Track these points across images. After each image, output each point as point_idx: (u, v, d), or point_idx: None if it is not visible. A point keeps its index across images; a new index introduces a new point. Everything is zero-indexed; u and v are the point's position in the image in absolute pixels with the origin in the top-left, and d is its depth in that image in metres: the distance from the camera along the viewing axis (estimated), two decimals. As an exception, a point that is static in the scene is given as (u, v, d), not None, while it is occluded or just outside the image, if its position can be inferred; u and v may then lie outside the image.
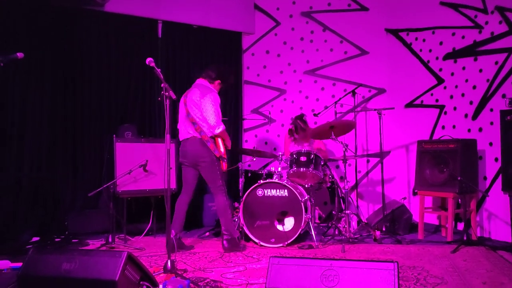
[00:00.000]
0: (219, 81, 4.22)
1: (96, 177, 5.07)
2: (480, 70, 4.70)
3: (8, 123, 4.70)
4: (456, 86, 5.02)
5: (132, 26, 5.47)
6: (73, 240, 4.46)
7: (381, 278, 2.20)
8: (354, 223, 4.88)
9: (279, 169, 4.65)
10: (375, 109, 5.11)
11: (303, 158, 4.52)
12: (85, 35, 5.21)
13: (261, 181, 4.40)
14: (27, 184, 4.75)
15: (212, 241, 4.53)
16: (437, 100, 5.30)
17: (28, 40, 4.79)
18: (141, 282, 2.52)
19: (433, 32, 5.32)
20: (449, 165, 4.38)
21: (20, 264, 2.73)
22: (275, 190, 4.35)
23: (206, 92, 4.05)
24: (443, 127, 5.18)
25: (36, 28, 4.86)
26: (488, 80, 4.60)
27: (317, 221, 5.14)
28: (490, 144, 4.56)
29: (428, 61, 5.41)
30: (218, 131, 3.98)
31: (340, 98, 5.71)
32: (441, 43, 5.22)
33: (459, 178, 4.18)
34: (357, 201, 5.73)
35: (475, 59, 4.77)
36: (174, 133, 4.93)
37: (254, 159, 5.15)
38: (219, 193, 4.10)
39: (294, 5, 6.29)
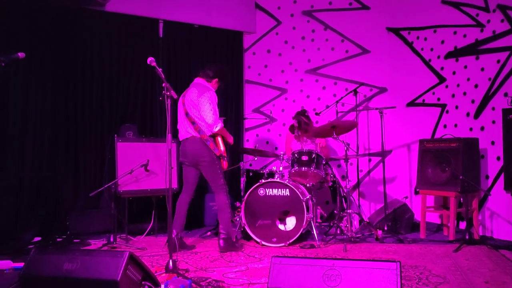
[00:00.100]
0: (216, 79, 4.22)
1: (97, 177, 5.07)
2: (482, 69, 4.69)
3: (10, 123, 4.70)
4: (458, 85, 5.01)
5: (133, 25, 5.47)
6: (74, 240, 4.46)
7: (383, 278, 2.20)
8: (356, 222, 4.87)
9: (281, 168, 4.64)
10: (376, 108, 5.10)
11: (304, 157, 4.52)
12: (86, 34, 5.20)
13: (263, 181, 4.39)
14: (28, 184, 4.75)
15: (213, 241, 4.52)
16: (438, 99, 5.29)
17: (29, 40, 4.79)
18: (143, 282, 2.52)
19: (435, 31, 5.31)
20: (451, 164, 4.37)
21: (22, 264, 2.73)
22: (276, 189, 4.34)
23: (204, 91, 4.04)
24: (445, 126, 5.17)
25: (37, 28, 4.86)
26: (490, 79, 4.58)
27: (318, 220, 5.13)
28: (492, 143, 4.54)
29: (430, 60, 5.39)
30: (216, 129, 3.97)
31: (341, 97, 5.71)
32: (442, 42, 5.21)
33: (461, 177, 4.17)
34: (358, 200, 5.72)
35: (477, 58, 4.75)
36: (175, 133, 4.93)
37: (256, 158, 5.15)
38: (220, 192, 4.09)
39: (295, 4, 6.28)
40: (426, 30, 5.42)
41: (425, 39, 5.45)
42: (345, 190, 4.55)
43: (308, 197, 4.39)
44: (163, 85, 3.16)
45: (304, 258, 2.45)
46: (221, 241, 4.01)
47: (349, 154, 4.50)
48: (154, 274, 2.73)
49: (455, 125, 5.03)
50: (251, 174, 4.99)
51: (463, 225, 4.79)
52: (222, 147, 4.05)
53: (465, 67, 4.91)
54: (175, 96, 3.17)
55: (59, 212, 4.92)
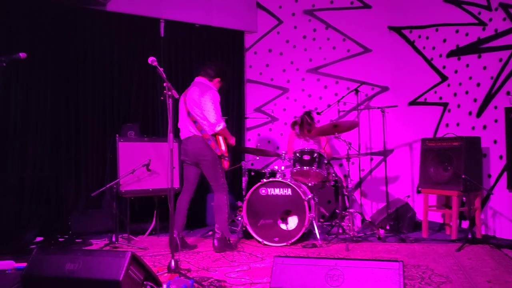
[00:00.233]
0: (218, 79, 4.21)
1: (99, 176, 5.08)
2: (484, 67, 4.67)
3: (11, 122, 4.70)
4: (460, 84, 4.99)
5: (134, 25, 5.47)
6: (76, 240, 4.46)
7: (386, 278, 2.19)
8: (358, 222, 4.87)
9: (282, 167, 4.63)
10: (378, 107, 5.09)
11: (306, 157, 4.51)
12: (87, 34, 5.20)
13: (264, 180, 4.39)
14: (30, 184, 4.75)
15: (215, 240, 4.52)
16: (440, 98, 5.28)
17: (30, 40, 4.79)
18: (145, 282, 2.52)
19: (437, 29, 5.29)
20: (453, 163, 4.36)
21: (24, 264, 2.73)
22: (278, 189, 4.33)
23: (206, 90, 4.04)
24: (446, 125, 5.16)
25: (37, 28, 4.86)
26: (492, 77, 4.57)
27: (320, 219, 5.13)
28: (495, 141, 4.53)
29: (432, 59, 5.38)
30: (218, 128, 3.97)
31: (343, 96, 5.70)
32: (444, 41, 5.19)
33: (463, 176, 4.16)
34: (360, 199, 5.72)
35: (479, 56, 4.74)
36: (177, 132, 4.93)
37: (257, 158, 5.14)
38: (221, 191, 4.09)
39: (296, 3, 6.27)
40: (428, 29, 5.41)
41: (427, 37, 5.43)
42: (347, 189, 4.54)
43: (310, 196, 4.38)
44: (164, 84, 3.15)
45: (306, 258, 2.45)
46: (215, 240, 3.99)
47: (350, 153, 4.49)
48: (156, 274, 2.73)
49: (457, 124, 5.01)
50: (252, 173, 4.99)
51: (465, 224, 4.78)
52: (223, 147, 4.05)
53: (467, 65, 4.90)
54: (177, 96, 3.17)
55: (61, 212, 4.92)
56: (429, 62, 5.41)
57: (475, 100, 4.79)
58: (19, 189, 4.68)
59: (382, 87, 6.01)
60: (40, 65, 4.87)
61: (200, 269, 3.36)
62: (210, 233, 4.87)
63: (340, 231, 4.47)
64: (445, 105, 5.21)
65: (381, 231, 4.42)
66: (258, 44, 6.39)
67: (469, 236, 4.05)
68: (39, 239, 4.46)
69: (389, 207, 4.79)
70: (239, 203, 5.01)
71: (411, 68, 5.67)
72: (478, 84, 4.74)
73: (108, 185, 4.27)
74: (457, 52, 5.03)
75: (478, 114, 4.74)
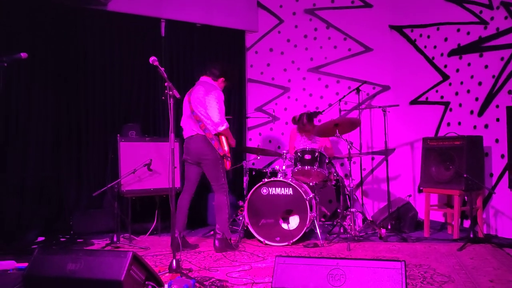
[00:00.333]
0: (222, 78, 4.21)
1: (100, 176, 5.08)
2: (486, 66, 4.66)
3: (12, 123, 4.70)
4: (462, 83, 4.98)
5: (135, 25, 5.47)
6: (78, 240, 4.46)
7: (388, 277, 2.18)
8: (359, 221, 4.86)
9: (284, 167, 4.63)
10: (379, 106, 5.08)
11: (307, 156, 4.50)
12: (88, 34, 5.20)
13: (266, 180, 4.38)
14: (31, 184, 4.75)
15: (217, 240, 4.52)
16: (442, 97, 5.27)
17: (30, 40, 4.79)
18: (146, 282, 2.52)
19: (438, 28, 5.28)
20: (455, 162, 4.35)
21: (25, 264, 2.73)
22: (279, 188, 4.33)
23: (211, 89, 4.04)
24: (448, 124, 5.15)
25: (38, 28, 4.86)
26: (493, 76, 4.56)
27: (322, 219, 5.12)
28: (496, 140, 4.52)
29: (433, 58, 5.37)
30: (221, 128, 3.97)
31: (344, 96, 5.70)
32: (446, 39, 5.18)
33: (465, 175, 4.15)
34: (362, 199, 5.71)
35: (481, 55, 4.73)
36: (178, 132, 4.92)
37: (258, 157, 5.14)
38: (221, 191, 4.08)
39: (297, 3, 6.27)
40: (429, 28, 5.40)
41: (428, 36, 5.42)
42: (348, 188, 4.53)
43: (311, 196, 4.38)
44: (166, 84, 3.15)
45: (308, 257, 2.44)
46: (216, 241, 3.99)
47: (352, 153, 4.48)
48: (158, 273, 2.72)
49: (459, 123, 5.00)
50: (254, 173, 4.99)
51: (467, 223, 4.77)
52: (226, 147, 4.05)
53: (469, 64, 4.89)
54: (178, 96, 3.17)
55: (62, 212, 4.92)
56: (430, 61, 5.40)
57: (476, 99, 4.78)
58: (20, 189, 4.69)
59: (383, 86, 6.00)
60: (40, 65, 4.87)
61: (202, 268, 3.36)
62: (212, 232, 4.87)
63: (342, 230, 4.47)
64: (446, 104, 5.20)
65: (383, 231, 4.41)
66: (259, 43, 6.39)
67: (471, 235, 4.04)
68: (40, 239, 4.47)
69: (390, 207, 4.78)
70: (240, 203, 5.02)
71: (412, 67, 5.66)
72: (480, 83, 4.73)
73: (109, 185, 4.27)
74: (459, 51, 5.02)
75: (480, 113, 4.73)
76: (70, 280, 2.39)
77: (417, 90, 5.60)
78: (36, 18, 4.85)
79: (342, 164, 6.09)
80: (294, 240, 4.19)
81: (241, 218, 4.54)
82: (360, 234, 4.45)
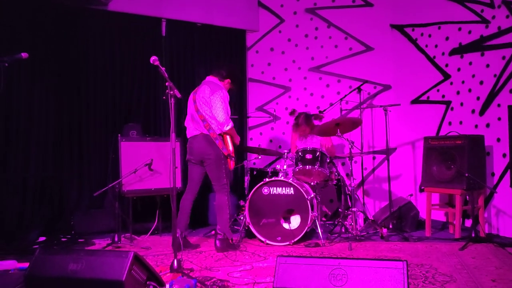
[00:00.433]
0: (229, 80, 4.22)
1: (101, 176, 5.07)
2: (487, 65, 4.65)
3: (14, 123, 4.70)
4: (463, 82, 4.97)
5: (135, 24, 5.46)
6: (79, 240, 4.47)
7: (390, 277, 2.18)
8: (360, 221, 4.85)
9: (285, 167, 4.62)
10: (380, 106, 5.07)
11: (308, 156, 4.50)
12: (89, 34, 5.20)
13: (267, 179, 4.38)
14: (32, 184, 4.75)
15: (218, 240, 4.51)
16: (443, 96, 5.26)
17: (31, 40, 4.78)
18: (147, 282, 2.51)
19: (439, 27, 5.27)
20: (456, 162, 4.34)
21: (26, 264, 2.73)
22: (280, 188, 4.32)
23: (216, 89, 4.04)
24: (449, 123, 5.14)
25: (38, 28, 4.85)
26: (495, 75, 4.55)
27: (323, 218, 5.12)
28: (498, 140, 4.51)
29: (434, 57, 5.36)
30: (226, 128, 3.97)
31: (345, 95, 5.69)
32: (447, 38, 5.17)
33: (466, 175, 4.14)
34: (363, 198, 5.71)
35: (482, 54, 4.72)
36: (179, 132, 4.92)
37: (260, 157, 5.13)
38: (222, 191, 4.07)
39: (298, 2, 6.26)
40: (430, 27, 5.39)
41: (429, 35, 5.41)
42: (349, 188, 4.53)
43: (312, 195, 4.37)
44: (167, 84, 3.15)
45: (309, 257, 2.44)
46: (217, 241, 3.98)
47: (353, 152, 4.48)
48: (159, 273, 2.72)
49: (460, 122, 5.00)
50: (255, 172, 4.98)
51: (468, 223, 4.76)
52: (230, 147, 4.04)
53: (470, 63, 4.88)
54: (179, 95, 3.16)
55: (64, 212, 4.92)
56: (431, 60, 5.39)
57: (478, 98, 4.77)
58: (21, 189, 4.69)
59: (384, 85, 5.99)
60: (41, 65, 4.87)
61: (203, 268, 3.36)
62: (213, 232, 4.87)
63: (343, 230, 4.47)
64: (448, 103, 5.19)
65: (384, 230, 4.40)
66: (259, 43, 6.38)
67: (473, 234, 4.04)
68: (41, 239, 4.47)
69: (392, 206, 4.78)
70: (242, 203, 5.01)
71: (413, 66, 5.65)
72: (481, 82, 4.72)
73: (110, 185, 4.27)
74: (460, 50, 5.00)
75: (481, 112, 4.72)
76: (72, 280, 2.39)
77: (418, 89, 5.59)
78: (36, 18, 4.85)
79: (343, 164, 6.08)
80: (295, 239, 4.18)
81: (242, 217, 4.53)
82: (362, 234, 4.45)
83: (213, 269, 3.34)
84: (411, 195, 5.32)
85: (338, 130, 4.38)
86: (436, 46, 5.33)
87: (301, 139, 5.32)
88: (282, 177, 4.40)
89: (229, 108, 4.04)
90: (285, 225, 4.29)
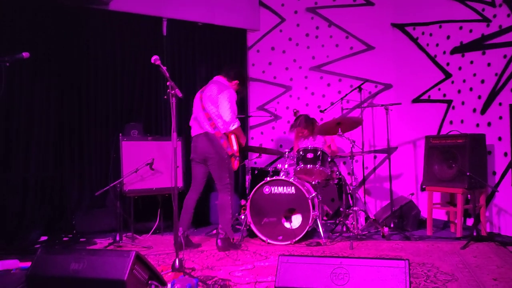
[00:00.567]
0: (237, 81, 4.23)
1: (102, 176, 5.08)
2: (489, 64, 4.64)
3: (15, 122, 4.70)
4: (464, 81, 4.97)
5: (137, 24, 5.46)
6: (80, 239, 4.47)
7: (392, 276, 2.18)
8: (362, 220, 4.84)
9: (286, 166, 4.62)
10: (381, 105, 5.06)
11: (310, 155, 4.50)
12: (90, 33, 5.19)
13: (268, 179, 4.38)
14: (34, 184, 4.75)
15: (219, 239, 4.51)
16: (444, 95, 5.25)
17: (32, 40, 4.78)
18: (149, 281, 2.52)
19: (440, 26, 5.26)
20: (457, 161, 4.34)
21: (28, 264, 2.73)
22: (282, 187, 4.32)
23: (223, 88, 4.05)
24: (451, 122, 5.14)
25: (39, 28, 4.85)
26: (496, 74, 4.54)
27: (324, 218, 5.11)
28: (499, 138, 4.51)
29: (435, 56, 5.35)
30: (233, 127, 3.97)
31: (346, 94, 5.69)
32: (448, 37, 5.17)
33: (468, 174, 4.14)
34: (364, 197, 5.70)
35: (483, 53, 4.71)
36: (181, 131, 4.93)
37: (260, 156, 5.13)
38: (225, 191, 4.07)
39: (299, 1, 6.25)
40: (431, 26, 5.38)
41: (431, 34, 5.41)
42: (350, 187, 4.53)
43: (313, 194, 4.37)
44: (168, 83, 3.15)
45: (311, 256, 2.44)
46: (219, 240, 3.98)
47: (354, 151, 4.47)
48: (161, 273, 2.73)
49: (462, 121, 4.99)
50: (256, 172, 4.98)
51: (470, 221, 4.76)
52: (235, 146, 4.04)
53: (471, 62, 4.87)
54: (180, 95, 3.17)
55: (65, 211, 4.92)
56: (432, 59, 5.39)
57: (479, 97, 4.76)
58: (23, 189, 4.69)
59: (385, 84, 5.99)
60: (42, 64, 4.87)
61: (205, 268, 3.36)
62: (214, 231, 4.87)
63: (344, 229, 4.46)
64: (449, 102, 5.18)
65: (385, 229, 4.40)
66: (260, 42, 6.38)
67: (474, 233, 4.03)
68: (43, 238, 4.47)
69: (393, 205, 4.78)
70: (243, 202, 5.01)
71: (414, 65, 5.64)
72: (483, 81, 4.72)
73: (111, 184, 4.27)
74: (461, 49, 5.00)
75: (483, 111, 4.72)
76: (73, 280, 2.40)
77: (420, 88, 5.58)
78: (37, 18, 4.84)
79: (344, 163, 6.08)
80: (296, 239, 4.18)
81: (243, 217, 4.54)
82: (363, 233, 4.45)
83: (215, 268, 3.35)
84: (412, 194, 5.32)
85: (339, 129, 4.37)
86: (437, 45, 5.32)
87: (304, 139, 5.33)
88: (283, 176, 4.40)
89: (236, 107, 4.04)
90: (287, 224, 4.29)
